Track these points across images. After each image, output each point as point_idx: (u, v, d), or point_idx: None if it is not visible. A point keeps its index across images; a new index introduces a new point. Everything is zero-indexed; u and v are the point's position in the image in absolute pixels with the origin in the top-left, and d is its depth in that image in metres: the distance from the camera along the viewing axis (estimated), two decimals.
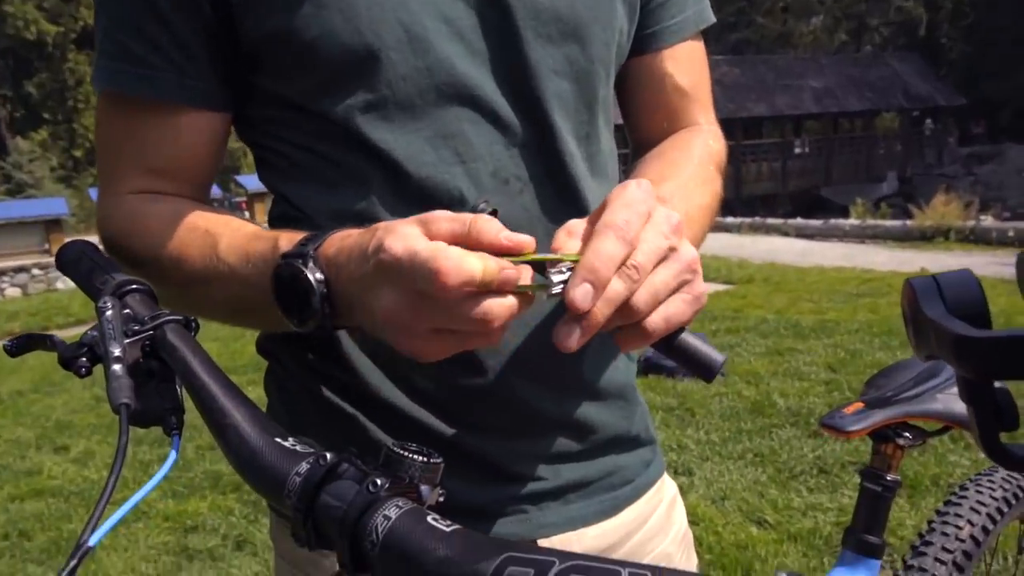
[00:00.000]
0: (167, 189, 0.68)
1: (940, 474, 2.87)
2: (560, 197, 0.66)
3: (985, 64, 28.16)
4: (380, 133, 0.62)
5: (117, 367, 0.51)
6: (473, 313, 0.46)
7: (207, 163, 0.69)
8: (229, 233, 0.62)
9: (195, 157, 0.68)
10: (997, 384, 0.30)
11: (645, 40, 0.75)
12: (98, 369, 0.54)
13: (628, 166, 0.78)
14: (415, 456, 0.44)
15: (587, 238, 0.50)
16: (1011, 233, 9.71)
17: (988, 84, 27.63)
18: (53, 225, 13.70)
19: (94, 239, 0.75)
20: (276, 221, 0.72)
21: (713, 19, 0.79)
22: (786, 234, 12.40)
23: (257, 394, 0.74)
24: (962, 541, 1.01)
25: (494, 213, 0.63)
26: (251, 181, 17.51)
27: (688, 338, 0.54)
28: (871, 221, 12.05)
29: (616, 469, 0.72)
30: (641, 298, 0.49)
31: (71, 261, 0.66)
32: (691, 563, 0.81)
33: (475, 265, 0.45)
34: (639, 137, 0.80)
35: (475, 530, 0.40)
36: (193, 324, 0.56)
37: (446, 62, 0.62)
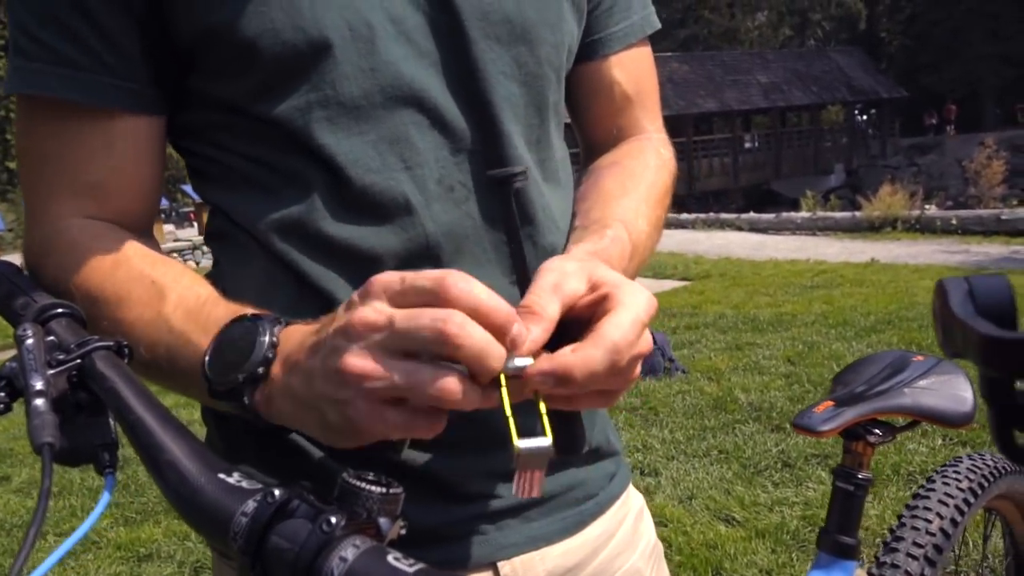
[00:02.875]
0: (108, 216, 0.62)
1: (900, 462, 2.92)
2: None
3: (923, 57, 29.05)
4: (322, 136, 0.59)
5: (39, 402, 0.47)
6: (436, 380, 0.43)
7: (147, 176, 0.63)
8: (180, 290, 0.57)
9: (133, 169, 0.62)
10: (1018, 385, 0.31)
11: (591, 47, 0.74)
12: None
13: (580, 167, 0.78)
14: (372, 487, 0.41)
15: (567, 302, 0.48)
16: (954, 221, 10.03)
17: (927, 76, 28.51)
18: None
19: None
20: (213, 239, 0.67)
21: (659, 25, 0.79)
22: (740, 228, 12.61)
23: (195, 415, 0.70)
24: (932, 535, 1.01)
25: (517, 193, 0.60)
26: None
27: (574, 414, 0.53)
28: (821, 213, 12.33)
29: (577, 483, 0.70)
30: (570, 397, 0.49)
31: None
32: None
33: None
34: (588, 142, 0.79)
35: (431, 555, 0.37)
36: (126, 350, 0.52)
37: (392, 64, 0.60)
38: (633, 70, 0.76)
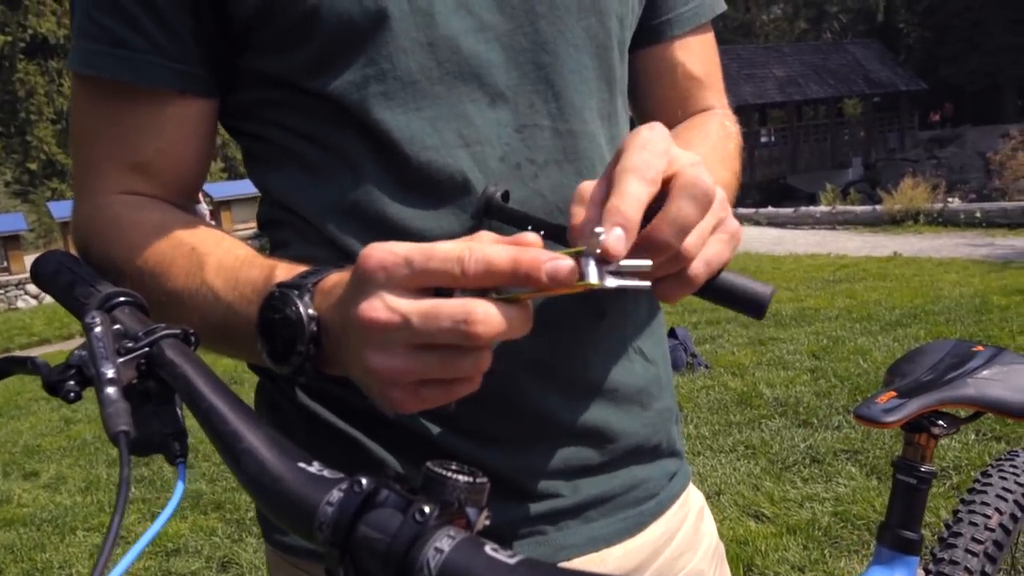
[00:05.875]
0: (153, 191, 0.62)
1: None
2: (581, 181, 0.62)
3: (942, 49, 28.70)
4: (378, 112, 0.58)
5: (111, 390, 0.46)
6: (458, 315, 0.40)
7: (194, 155, 0.63)
8: (219, 254, 0.56)
9: (181, 149, 0.62)
10: None
11: (657, 29, 0.72)
12: (89, 392, 0.48)
13: None
14: (459, 476, 0.39)
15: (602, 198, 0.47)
16: (979, 214, 9.90)
17: (946, 69, 28.17)
18: (11, 241, 13.33)
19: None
20: (267, 226, 0.67)
21: (725, 6, 0.77)
22: (758, 223, 12.52)
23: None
24: (992, 530, 0.99)
25: (505, 196, 0.58)
26: (217, 189, 17.24)
27: (730, 277, 0.53)
28: (841, 207, 12.21)
29: (638, 483, 0.68)
30: (690, 242, 0.47)
31: (49, 273, 0.60)
32: None
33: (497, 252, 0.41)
34: None
35: None
36: (193, 338, 0.51)
37: (451, 38, 0.58)
38: (699, 52, 0.75)
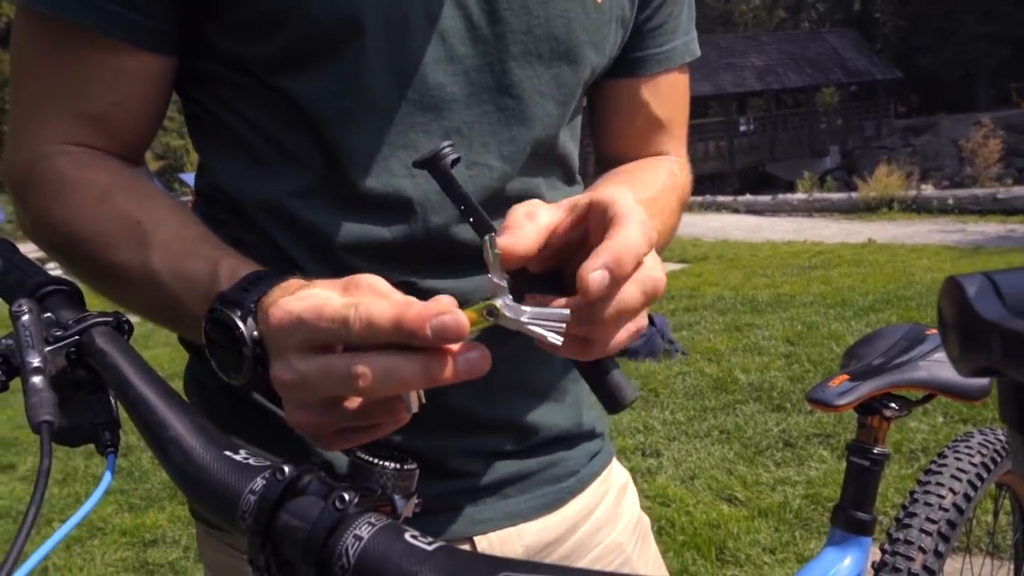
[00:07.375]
0: (101, 145, 0.59)
1: (902, 440, 2.92)
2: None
3: (917, 38, 28.94)
4: (330, 126, 0.57)
5: (36, 379, 0.45)
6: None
7: (149, 114, 0.61)
8: (165, 234, 0.54)
9: (137, 106, 0.60)
10: None
11: (629, 64, 0.71)
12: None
13: (591, 175, 0.76)
14: (386, 463, 0.39)
15: (555, 226, 0.46)
16: (951, 201, 10.02)
17: (921, 58, 28.42)
18: None
19: (26, 246, 0.67)
20: (202, 198, 0.66)
21: (698, 53, 0.76)
22: (736, 211, 12.59)
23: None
24: (946, 510, 1.00)
25: (455, 162, 0.56)
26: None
27: (610, 365, 0.50)
28: (818, 195, 12.30)
29: (558, 461, 0.69)
30: (619, 338, 0.46)
31: None
32: (647, 552, 0.78)
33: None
34: (605, 156, 0.78)
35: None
36: (126, 326, 0.50)
37: (419, 66, 0.57)
38: (666, 95, 0.74)
